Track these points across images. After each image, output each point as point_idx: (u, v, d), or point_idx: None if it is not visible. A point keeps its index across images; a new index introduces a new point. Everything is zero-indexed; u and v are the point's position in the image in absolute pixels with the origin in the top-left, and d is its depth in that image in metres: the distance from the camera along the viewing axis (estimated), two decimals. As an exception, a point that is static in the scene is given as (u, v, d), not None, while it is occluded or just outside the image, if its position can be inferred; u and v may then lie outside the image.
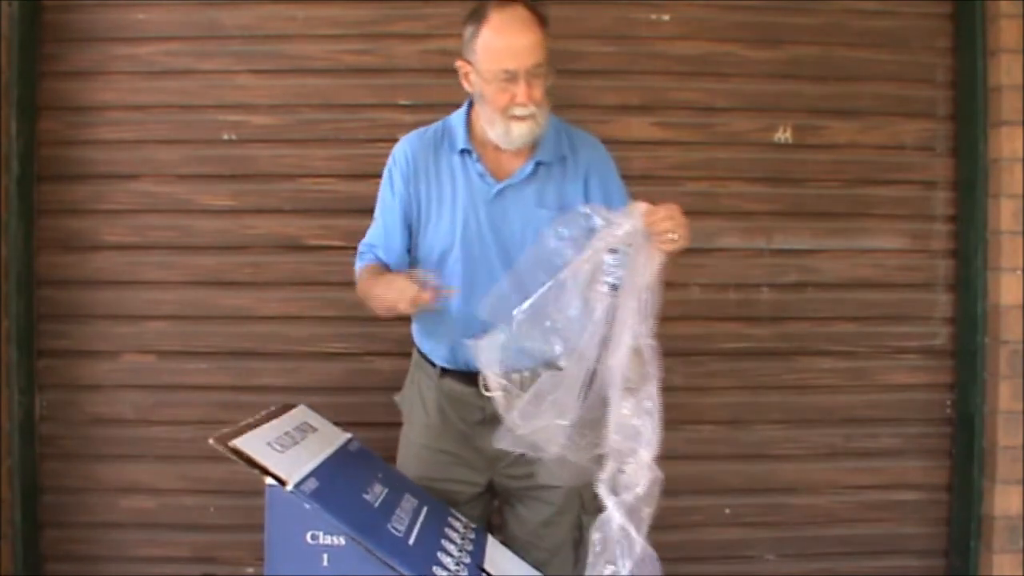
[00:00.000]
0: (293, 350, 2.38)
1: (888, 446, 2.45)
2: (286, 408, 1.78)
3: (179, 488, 2.37)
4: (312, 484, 1.43)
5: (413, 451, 1.83)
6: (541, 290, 1.50)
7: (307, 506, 1.38)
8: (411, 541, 1.49)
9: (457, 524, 1.68)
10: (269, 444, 1.49)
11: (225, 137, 2.37)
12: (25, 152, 2.31)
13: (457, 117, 1.77)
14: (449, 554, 1.52)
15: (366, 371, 2.38)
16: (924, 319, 2.46)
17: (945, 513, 2.47)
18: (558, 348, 1.52)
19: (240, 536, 2.32)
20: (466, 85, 1.70)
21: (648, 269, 1.48)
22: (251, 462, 1.39)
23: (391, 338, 2.37)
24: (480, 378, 1.59)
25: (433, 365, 1.78)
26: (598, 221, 1.50)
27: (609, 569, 1.48)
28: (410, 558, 1.43)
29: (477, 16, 1.65)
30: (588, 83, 2.37)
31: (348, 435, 1.80)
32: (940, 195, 2.46)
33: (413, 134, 1.79)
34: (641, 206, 1.49)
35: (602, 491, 1.50)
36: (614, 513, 1.49)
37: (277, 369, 2.37)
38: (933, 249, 2.46)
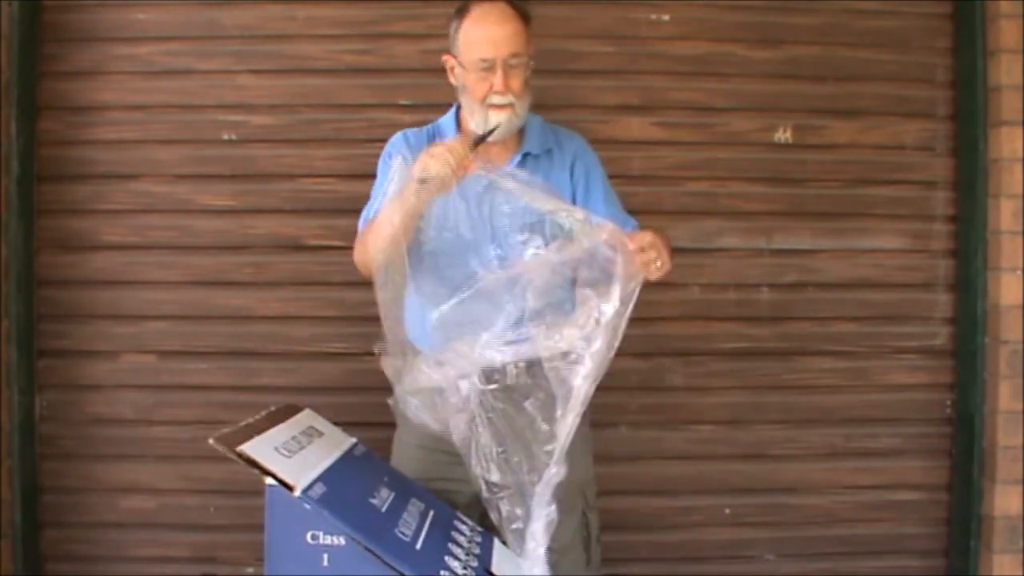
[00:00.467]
0: (293, 350, 2.38)
1: (888, 446, 2.46)
2: (288, 408, 1.77)
3: (179, 488, 2.37)
4: (319, 489, 1.43)
5: (408, 452, 1.82)
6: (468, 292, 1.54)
7: (307, 506, 1.38)
8: (419, 545, 1.49)
9: (464, 527, 1.67)
10: (276, 449, 1.49)
11: (225, 137, 2.37)
12: (25, 152, 2.31)
13: (447, 117, 1.81)
14: (456, 558, 1.52)
15: (366, 371, 2.37)
16: (924, 319, 2.46)
17: (945, 513, 2.47)
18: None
19: (240, 536, 2.32)
20: (452, 79, 1.74)
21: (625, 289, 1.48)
22: (259, 467, 1.39)
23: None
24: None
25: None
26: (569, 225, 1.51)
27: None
28: (418, 562, 1.42)
29: (460, 11, 1.71)
30: (588, 83, 2.37)
31: (353, 439, 1.80)
32: (940, 195, 2.46)
33: (408, 130, 1.83)
34: (623, 240, 1.49)
35: None
36: None
37: (277, 369, 2.37)
38: (933, 249, 2.46)
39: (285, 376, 2.36)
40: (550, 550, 1.72)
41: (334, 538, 1.39)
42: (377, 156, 1.82)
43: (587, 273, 1.49)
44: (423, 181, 1.50)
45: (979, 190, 2.38)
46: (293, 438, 1.60)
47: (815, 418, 2.45)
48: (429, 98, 2.28)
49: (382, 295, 1.61)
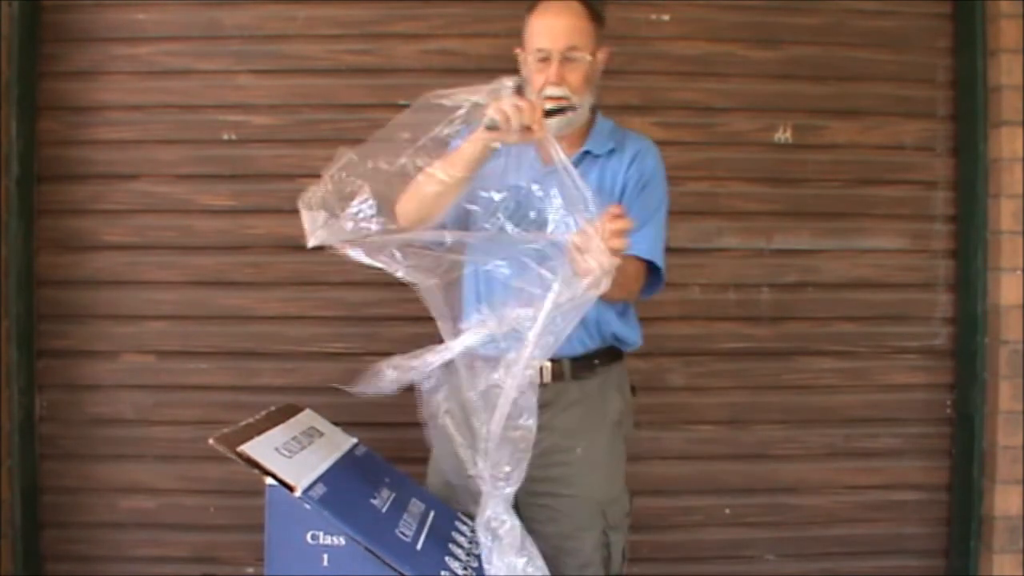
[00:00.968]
0: (293, 350, 2.38)
1: (888, 446, 2.46)
2: (288, 409, 1.78)
3: (179, 488, 2.37)
4: (320, 490, 1.43)
5: (442, 449, 1.81)
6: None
7: (307, 506, 1.38)
8: (419, 546, 1.49)
9: (464, 528, 1.67)
10: (277, 449, 1.50)
11: (225, 137, 2.37)
12: (25, 152, 2.31)
13: None
14: (457, 558, 1.52)
15: (366, 371, 2.38)
16: (924, 319, 2.46)
17: (945, 513, 2.47)
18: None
19: (240, 536, 2.32)
20: (522, 74, 1.74)
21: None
22: (260, 468, 1.39)
23: (391, 338, 2.37)
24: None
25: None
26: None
27: None
28: (418, 562, 1.43)
29: (530, 7, 1.73)
30: (588, 83, 2.37)
31: (354, 440, 1.81)
32: (940, 195, 2.46)
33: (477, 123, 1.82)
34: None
35: None
36: None
37: (277, 369, 2.37)
38: (933, 249, 2.46)
39: (285, 376, 2.36)
40: (567, 567, 1.69)
41: (334, 538, 1.39)
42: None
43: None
44: (491, 126, 1.46)
45: (979, 190, 2.38)
46: (294, 438, 1.61)
47: (815, 418, 2.44)
48: (429, 98, 2.28)
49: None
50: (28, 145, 2.32)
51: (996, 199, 2.36)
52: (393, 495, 1.62)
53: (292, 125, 2.37)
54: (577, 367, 1.72)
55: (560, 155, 1.46)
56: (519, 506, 1.77)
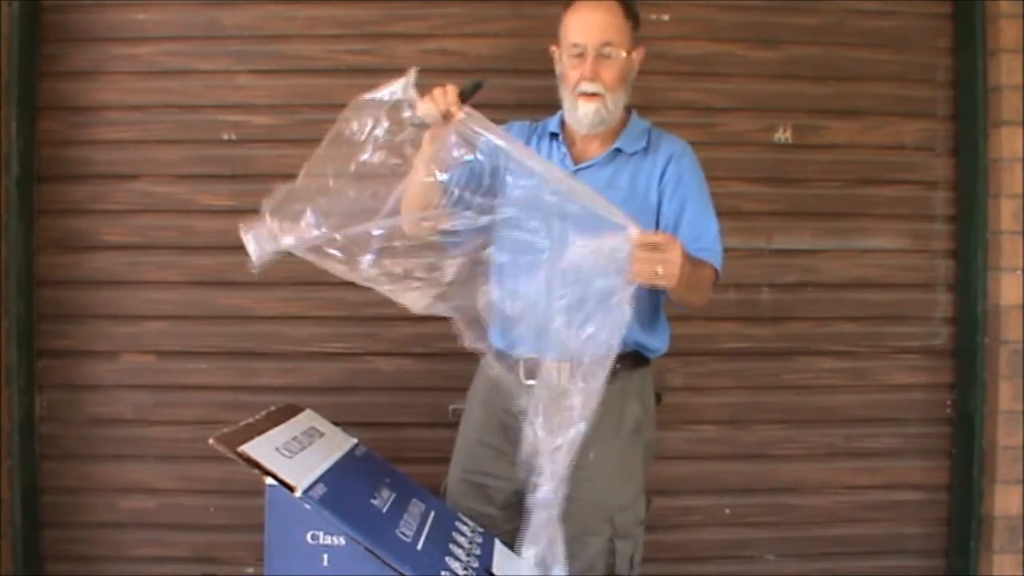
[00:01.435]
0: (293, 350, 2.38)
1: (888, 446, 2.46)
2: (288, 409, 1.78)
3: (179, 488, 2.37)
4: (320, 490, 1.43)
5: (460, 444, 1.86)
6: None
7: (308, 506, 1.38)
8: (419, 546, 1.49)
9: (465, 528, 1.68)
10: (278, 449, 1.50)
11: (225, 137, 2.37)
12: (25, 152, 2.31)
13: (558, 113, 1.82)
14: (457, 558, 1.52)
15: (366, 371, 2.38)
16: (924, 319, 2.46)
17: (945, 513, 2.47)
18: None
19: (240, 536, 2.32)
20: (556, 72, 1.77)
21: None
22: (260, 468, 1.39)
23: (391, 338, 2.37)
24: (522, 363, 1.61)
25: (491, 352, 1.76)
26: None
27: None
28: (419, 563, 1.43)
29: (567, 3, 1.74)
30: (588, 83, 2.37)
31: (354, 440, 1.81)
32: (940, 195, 2.46)
33: (516, 121, 1.85)
34: (634, 233, 1.45)
35: None
36: None
37: (277, 369, 2.37)
38: (933, 249, 2.46)
39: (285, 376, 2.36)
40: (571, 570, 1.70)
41: (334, 538, 1.39)
42: (377, 156, 1.81)
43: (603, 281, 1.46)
44: (418, 123, 1.51)
45: (979, 190, 2.38)
46: (294, 438, 1.61)
47: (815, 418, 2.45)
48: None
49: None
50: (28, 145, 2.32)
51: (996, 199, 2.36)
52: (393, 495, 1.62)
53: (292, 125, 2.36)
54: None
55: (487, 130, 1.48)
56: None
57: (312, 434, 1.70)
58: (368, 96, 1.52)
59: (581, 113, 1.70)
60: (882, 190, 2.44)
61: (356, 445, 1.79)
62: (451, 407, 2.29)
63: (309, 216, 1.50)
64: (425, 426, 2.36)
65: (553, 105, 1.84)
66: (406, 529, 1.51)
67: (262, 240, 1.51)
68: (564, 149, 1.78)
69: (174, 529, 2.37)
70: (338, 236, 1.49)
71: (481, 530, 1.71)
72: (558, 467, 1.45)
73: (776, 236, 2.42)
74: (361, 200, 1.52)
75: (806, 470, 2.45)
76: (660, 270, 1.44)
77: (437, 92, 1.51)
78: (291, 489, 1.38)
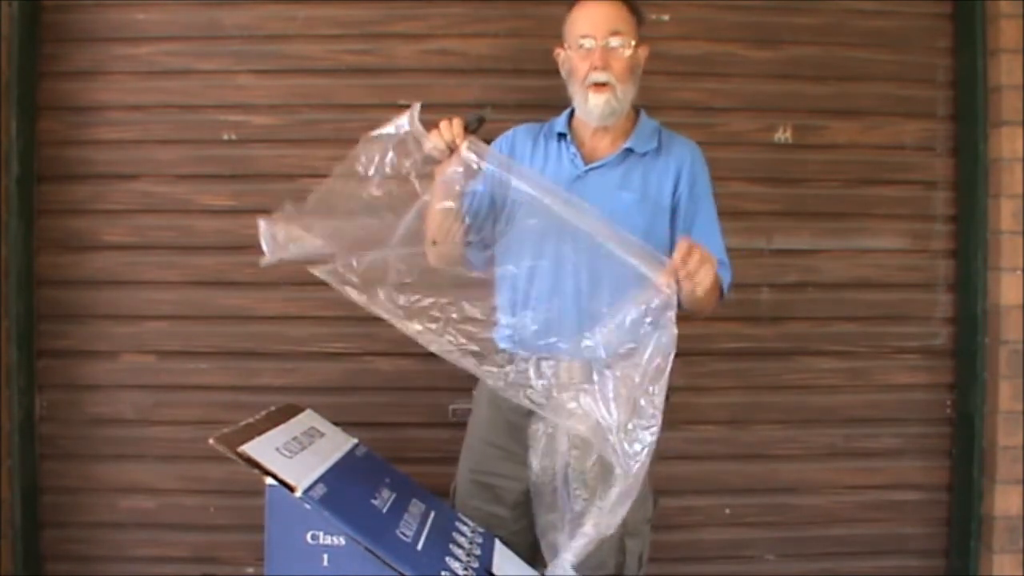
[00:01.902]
0: (293, 350, 2.38)
1: (888, 446, 2.46)
2: (288, 409, 1.78)
3: (179, 488, 2.37)
4: (320, 490, 1.44)
5: (468, 443, 1.87)
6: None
7: (308, 506, 1.38)
8: (419, 546, 1.49)
9: (464, 528, 1.68)
10: (278, 450, 1.50)
11: (225, 137, 2.37)
12: (25, 152, 2.31)
13: (563, 113, 1.84)
14: (457, 558, 1.52)
15: (366, 371, 2.38)
16: (924, 319, 2.46)
17: (945, 513, 2.47)
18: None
19: (240, 536, 2.32)
20: (563, 73, 1.78)
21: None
22: (260, 468, 1.39)
23: (391, 338, 2.35)
24: (535, 361, 1.60)
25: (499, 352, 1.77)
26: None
27: None
28: (419, 563, 1.43)
29: (571, 4, 1.76)
30: (588, 83, 2.37)
31: (354, 440, 1.81)
32: (940, 195, 2.46)
33: (524, 124, 1.87)
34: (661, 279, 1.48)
35: None
36: None
37: (277, 369, 2.37)
38: (933, 249, 2.46)
39: (285, 376, 2.36)
40: (582, 567, 1.70)
41: (334, 538, 1.39)
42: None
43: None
44: (430, 160, 1.55)
45: (979, 190, 2.38)
46: (294, 439, 1.61)
47: (815, 418, 2.44)
48: (429, 98, 2.25)
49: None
50: (28, 145, 2.32)
51: (996, 199, 2.36)
52: (393, 495, 1.62)
53: (292, 125, 2.37)
54: None
55: (492, 161, 1.53)
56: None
57: (312, 434, 1.70)
58: (375, 133, 1.57)
59: (592, 105, 1.71)
60: (882, 190, 2.44)
61: (356, 445, 1.79)
62: (451, 407, 2.29)
63: (321, 232, 1.54)
64: (425, 426, 2.36)
65: (553, 105, 1.85)
66: (406, 529, 1.51)
67: (276, 241, 1.53)
68: (573, 149, 1.78)
69: (174, 529, 2.37)
70: (354, 262, 1.54)
71: (481, 530, 1.71)
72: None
73: (776, 236, 2.42)
74: (371, 228, 1.56)
75: (806, 470, 2.45)
76: (702, 274, 1.48)
77: (443, 125, 1.55)
78: (291, 489, 1.38)
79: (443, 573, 1.45)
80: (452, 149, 1.54)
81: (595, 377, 1.51)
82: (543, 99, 1.95)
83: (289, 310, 2.37)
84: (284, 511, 1.40)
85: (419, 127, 1.54)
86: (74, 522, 2.38)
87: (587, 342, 1.52)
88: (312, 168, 2.36)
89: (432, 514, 1.64)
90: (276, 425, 1.63)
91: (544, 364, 1.59)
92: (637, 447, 1.46)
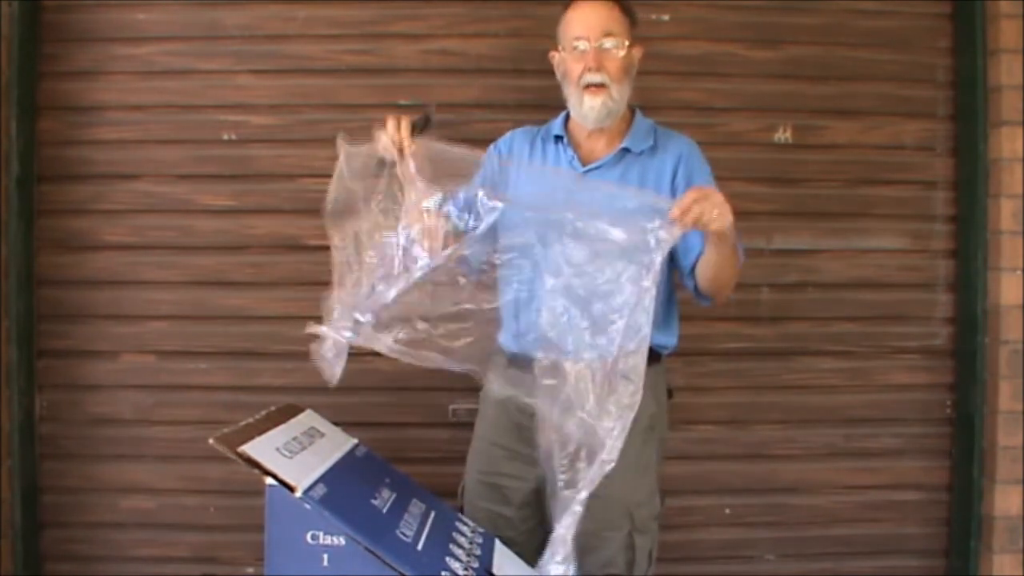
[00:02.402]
0: (293, 350, 2.37)
1: (888, 446, 2.46)
2: (288, 409, 1.78)
3: (179, 488, 2.37)
4: (321, 490, 1.44)
5: (475, 445, 1.87)
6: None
7: (307, 506, 1.38)
8: (419, 546, 1.49)
9: (465, 528, 1.68)
10: (278, 450, 1.50)
11: (225, 137, 2.37)
12: (25, 152, 2.31)
13: (559, 116, 1.84)
14: (457, 559, 1.52)
15: (366, 371, 2.37)
16: (924, 319, 2.46)
17: (945, 513, 2.47)
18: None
19: (240, 536, 2.32)
20: (558, 75, 1.78)
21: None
22: (260, 468, 1.39)
23: (391, 338, 2.37)
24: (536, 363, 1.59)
25: (503, 354, 1.77)
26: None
27: None
28: (419, 563, 1.43)
29: (565, 4, 1.77)
30: (588, 83, 2.37)
31: (354, 440, 1.81)
32: (940, 195, 2.46)
33: (522, 128, 1.88)
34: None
35: None
36: None
37: (277, 369, 2.37)
38: (933, 249, 2.46)
39: (285, 376, 2.36)
40: (590, 566, 1.70)
41: (334, 538, 1.39)
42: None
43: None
44: (378, 166, 1.56)
45: (979, 190, 2.38)
46: (294, 439, 1.61)
47: (815, 418, 2.45)
48: (429, 98, 2.28)
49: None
50: (28, 145, 2.32)
51: (996, 199, 2.36)
52: (393, 495, 1.62)
53: (292, 125, 2.37)
54: None
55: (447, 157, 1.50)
56: (546, 503, 1.78)
57: (312, 434, 1.70)
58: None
59: (587, 107, 1.71)
60: (882, 190, 2.44)
61: (356, 445, 1.79)
62: (451, 407, 2.29)
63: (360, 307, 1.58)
64: (425, 426, 2.36)
65: (553, 105, 1.85)
66: (406, 529, 1.51)
67: (332, 357, 1.59)
68: (571, 152, 1.79)
69: (174, 529, 2.37)
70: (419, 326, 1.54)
71: (481, 530, 1.71)
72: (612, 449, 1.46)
73: (776, 236, 2.42)
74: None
75: (806, 470, 2.45)
76: (716, 212, 1.47)
77: (390, 123, 1.54)
78: (291, 489, 1.38)
79: (443, 573, 1.45)
80: (400, 152, 1.53)
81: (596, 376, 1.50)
82: (543, 99, 1.94)
83: (289, 310, 2.37)
84: (284, 511, 1.40)
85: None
86: (74, 522, 2.38)
87: (590, 340, 1.52)
88: (312, 168, 2.37)
89: (432, 514, 1.64)
90: (276, 425, 1.63)
91: (548, 364, 1.58)
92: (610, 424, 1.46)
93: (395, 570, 1.38)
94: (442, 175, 1.53)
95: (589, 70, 1.69)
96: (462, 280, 1.55)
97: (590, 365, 1.49)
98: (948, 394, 2.46)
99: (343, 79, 2.37)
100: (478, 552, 1.60)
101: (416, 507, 1.63)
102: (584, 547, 1.67)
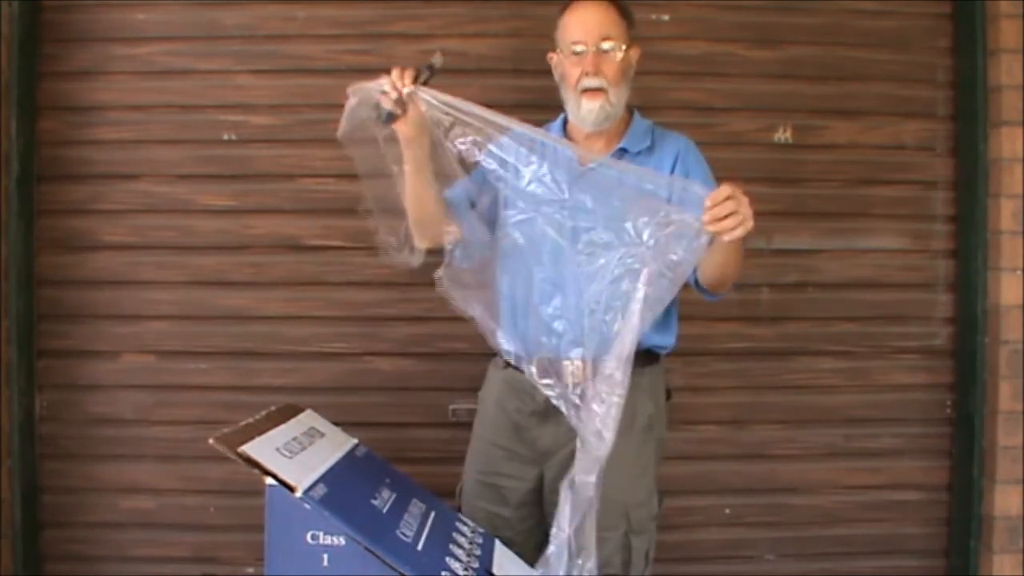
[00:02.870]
0: (293, 350, 2.38)
1: (888, 446, 2.46)
2: (288, 409, 1.78)
3: (179, 488, 2.37)
4: (321, 490, 1.44)
5: (474, 445, 1.87)
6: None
7: (308, 506, 1.38)
8: (420, 546, 1.49)
9: (465, 528, 1.68)
10: (278, 450, 1.50)
11: (225, 137, 2.37)
12: (25, 152, 2.31)
13: (558, 118, 1.84)
14: (457, 559, 1.52)
15: (366, 371, 2.38)
16: (924, 319, 2.46)
17: (945, 513, 2.47)
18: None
19: (240, 536, 2.32)
20: (555, 77, 1.78)
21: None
22: (260, 468, 1.39)
23: (391, 338, 2.37)
24: (537, 362, 1.61)
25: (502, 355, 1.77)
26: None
27: None
28: (419, 563, 1.43)
29: (563, 7, 1.76)
30: (588, 83, 2.37)
31: (354, 440, 1.81)
32: (940, 195, 2.46)
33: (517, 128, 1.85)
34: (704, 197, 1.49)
35: None
36: None
37: (277, 369, 2.37)
38: (933, 249, 2.46)
39: (285, 376, 2.36)
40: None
41: (334, 538, 1.39)
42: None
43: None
44: (386, 119, 1.60)
45: (979, 190, 2.38)
46: (294, 439, 1.61)
47: (815, 418, 2.45)
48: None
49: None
50: (28, 145, 2.32)
51: (996, 199, 2.36)
52: (393, 495, 1.62)
53: (292, 125, 2.36)
54: None
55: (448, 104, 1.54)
56: (545, 503, 1.79)
57: (312, 434, 1.70)
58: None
59: (585, 111, 1.71)
60: (882, 190, 2.44)
61: (356, 445, 1.79)
62: (451, 407, 2.29)
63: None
64: (425, 426, 2.36)
65: (553, 105, 1.84)
66: (406, 529, 1.51)
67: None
68: (568, 153, 1.77)
69: (174, 529, 2.37)
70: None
71: (481, 530, 1.71)
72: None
73: (776, 236, 2.42)
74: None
75: (806, 470, 2.45)
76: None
77: (394, 73, 1.58)
78: (291, 489, 1.38)
79: (443, 573, 1.45)
80: (400, 105, 1.55)
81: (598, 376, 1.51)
82: (542, 99, 1.94)
83: (289, 310, 2.37)
84: (284, 511, 1.40)
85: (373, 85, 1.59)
86: (74, 522, 2.38)
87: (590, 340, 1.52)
88: (312, 168, 2.37)
89: (432, 514, 1.64)
90: (276, 425, 1.63)
91: (548, 364, 1.59)
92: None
93: (395, 570, 1.38)
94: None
95: (587, 74, 1.69)
96: None
97: (588, 361, 1.51)
98: (948, 394, 2.46)
99: (343, 79, 2.33)
100: (478, 552, 1.60)
101: (416, 507, 1.63)
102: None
